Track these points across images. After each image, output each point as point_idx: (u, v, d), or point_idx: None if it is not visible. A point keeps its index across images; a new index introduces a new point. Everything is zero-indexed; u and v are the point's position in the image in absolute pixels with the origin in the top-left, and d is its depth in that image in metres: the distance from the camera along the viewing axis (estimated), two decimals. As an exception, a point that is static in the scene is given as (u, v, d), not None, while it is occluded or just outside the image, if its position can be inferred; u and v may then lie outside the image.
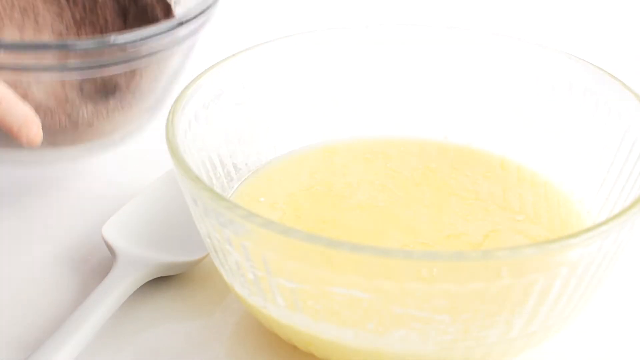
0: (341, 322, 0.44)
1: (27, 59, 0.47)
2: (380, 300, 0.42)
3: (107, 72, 0.50)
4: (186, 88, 0.52)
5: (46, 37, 0.52)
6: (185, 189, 0.46)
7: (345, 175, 0.57)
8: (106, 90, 0.53)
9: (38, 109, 0.51)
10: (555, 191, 0.57)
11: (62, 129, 0.53)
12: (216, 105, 0.55)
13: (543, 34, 0.84)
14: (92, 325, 0.49)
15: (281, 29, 0.65)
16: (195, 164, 0.51)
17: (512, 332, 0.44)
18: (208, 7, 0.56)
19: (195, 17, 0.54)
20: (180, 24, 0.53)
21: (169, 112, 0.50)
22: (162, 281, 0.55)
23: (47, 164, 0.61)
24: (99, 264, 0.57)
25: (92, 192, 0.64)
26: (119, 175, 0.65)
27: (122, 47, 0.50)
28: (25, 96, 0.50)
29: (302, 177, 0.57)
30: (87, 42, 0.48)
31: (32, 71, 0.48)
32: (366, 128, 0.61)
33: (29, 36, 0.52)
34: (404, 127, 0.61)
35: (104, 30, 0.55)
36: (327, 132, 0.60)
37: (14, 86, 0.49)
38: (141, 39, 0.51)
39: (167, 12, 0.59)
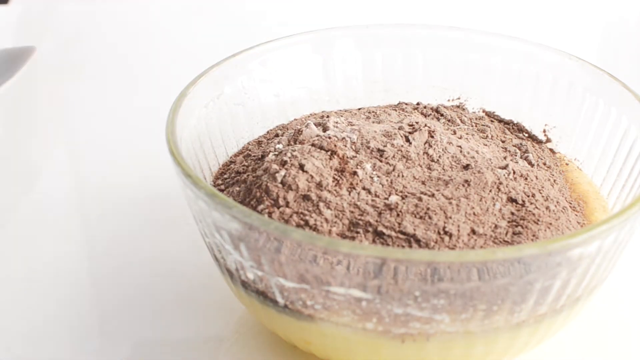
0: (341, 321, 0.44)
1: None
2: (379, 300, 0.42)
3: None
4: (186, 88, 0.52)
5: None
6: (185, 189, 0.46)
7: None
8: None
9: None
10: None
11: None
12: (216, 105, 0.55)
13: (543, 34, 0.84)
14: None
15: (281, 29, 0.65)
16: (195, 163, 0.51)
17: (512, 330, 0.44)
18: None
19: None
20: None
21: (169, 112, 0.50)
22: (162, 281, 0.55)
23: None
24: (99, 262, 0.57)
25: (93, 192, 0.64)
26: (119, 175, 0.65)
27: None
28: None
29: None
30: None
31: None
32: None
33: None
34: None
35: None
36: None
37: None
38: None
39: None
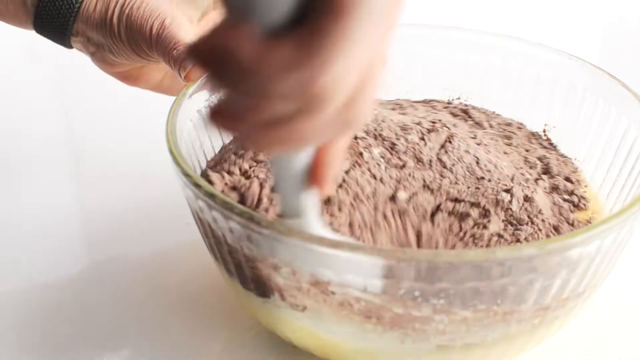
0: (338, 321, 0.44)
1: None
2: (379, 299, 0.42)
3: None
4: (186, 88, 0.52)
5: None
6: (185, 188, 0.46)
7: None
8: None
9: None
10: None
11: None
12: (216, 105, 0.55)
13: (544, 34, 0.84)
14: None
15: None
16: (195, 163, 0.51)
17: (511, 330, 0.44)
18: None
19: None
20: None
21: (169, 112, 0.50)
22: (162, 281, 0.55)
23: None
24: (98, 262, 0.57)
25: (92, 192, 0.64)
26: (119, 175, 0.65)
27: None
28: None
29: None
30: None
31: None
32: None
33: None
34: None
35: None
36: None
37: None
38: None
39: None
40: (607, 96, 0.55)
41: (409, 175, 0.48)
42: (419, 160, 0.49)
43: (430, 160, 0.49)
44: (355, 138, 0.48)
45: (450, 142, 0.50)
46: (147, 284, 0.55)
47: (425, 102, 0.59)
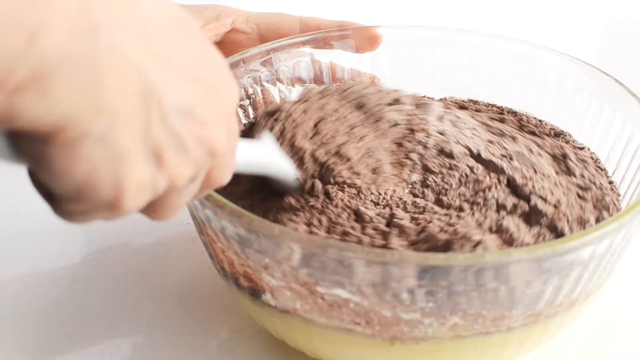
0: (329, 322, 0.44)
1: None
2: (367, 302, 0.42)
3: None
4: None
5: None
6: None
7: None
8: None
9: None
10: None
11: None
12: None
13: (544, 34, 0.84)
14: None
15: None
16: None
17: (502, 336, 0.44)
18: None
19: None
20: None
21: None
22: (160, 281, 0.55)
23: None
24: (98, 261, 0.57)
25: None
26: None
27: None
28: None
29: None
30: None
31: None
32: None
33: None
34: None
35: None
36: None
37: None
38: None
39: None
40: (613, 102, 0.55)
41: (412, 203, 0.47)
42: (438, 200, 0.48)
43: (450, 205, 0.48)
44: (407, 156, 0.49)
45: (484, 192, 0.48)
46: (146, 283, 0.55)
47: (535, 134, 0.56)
